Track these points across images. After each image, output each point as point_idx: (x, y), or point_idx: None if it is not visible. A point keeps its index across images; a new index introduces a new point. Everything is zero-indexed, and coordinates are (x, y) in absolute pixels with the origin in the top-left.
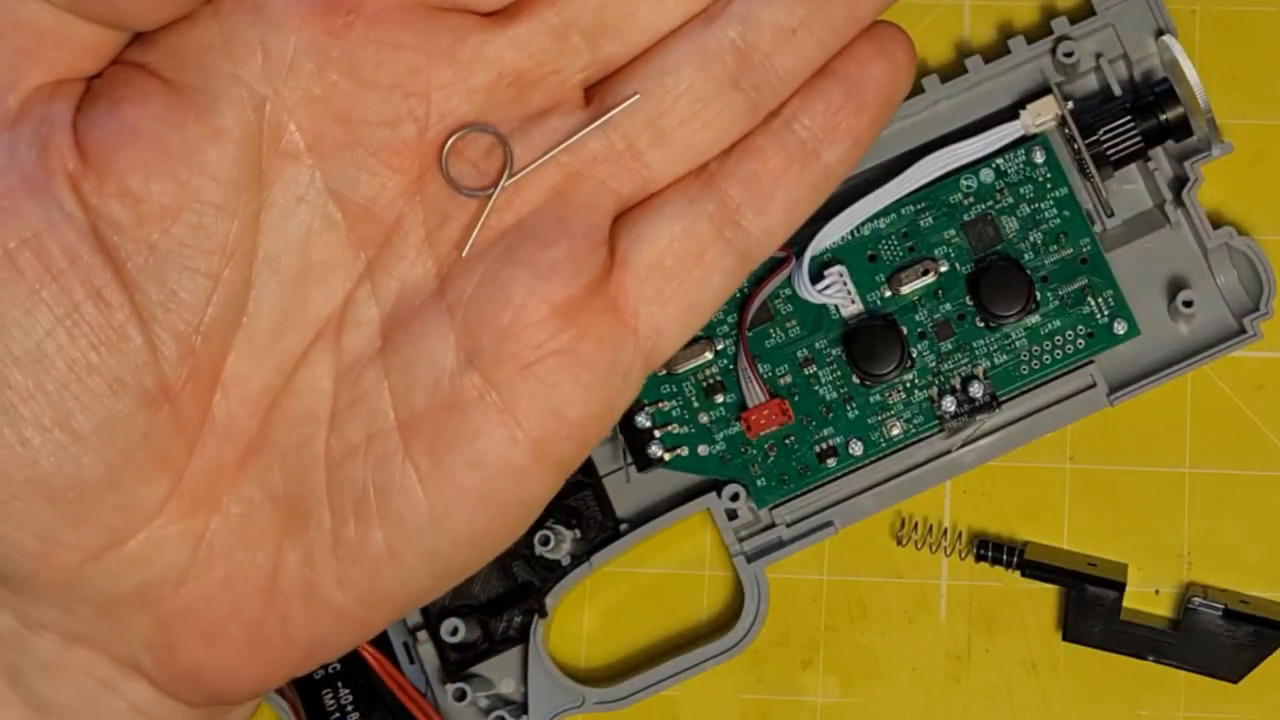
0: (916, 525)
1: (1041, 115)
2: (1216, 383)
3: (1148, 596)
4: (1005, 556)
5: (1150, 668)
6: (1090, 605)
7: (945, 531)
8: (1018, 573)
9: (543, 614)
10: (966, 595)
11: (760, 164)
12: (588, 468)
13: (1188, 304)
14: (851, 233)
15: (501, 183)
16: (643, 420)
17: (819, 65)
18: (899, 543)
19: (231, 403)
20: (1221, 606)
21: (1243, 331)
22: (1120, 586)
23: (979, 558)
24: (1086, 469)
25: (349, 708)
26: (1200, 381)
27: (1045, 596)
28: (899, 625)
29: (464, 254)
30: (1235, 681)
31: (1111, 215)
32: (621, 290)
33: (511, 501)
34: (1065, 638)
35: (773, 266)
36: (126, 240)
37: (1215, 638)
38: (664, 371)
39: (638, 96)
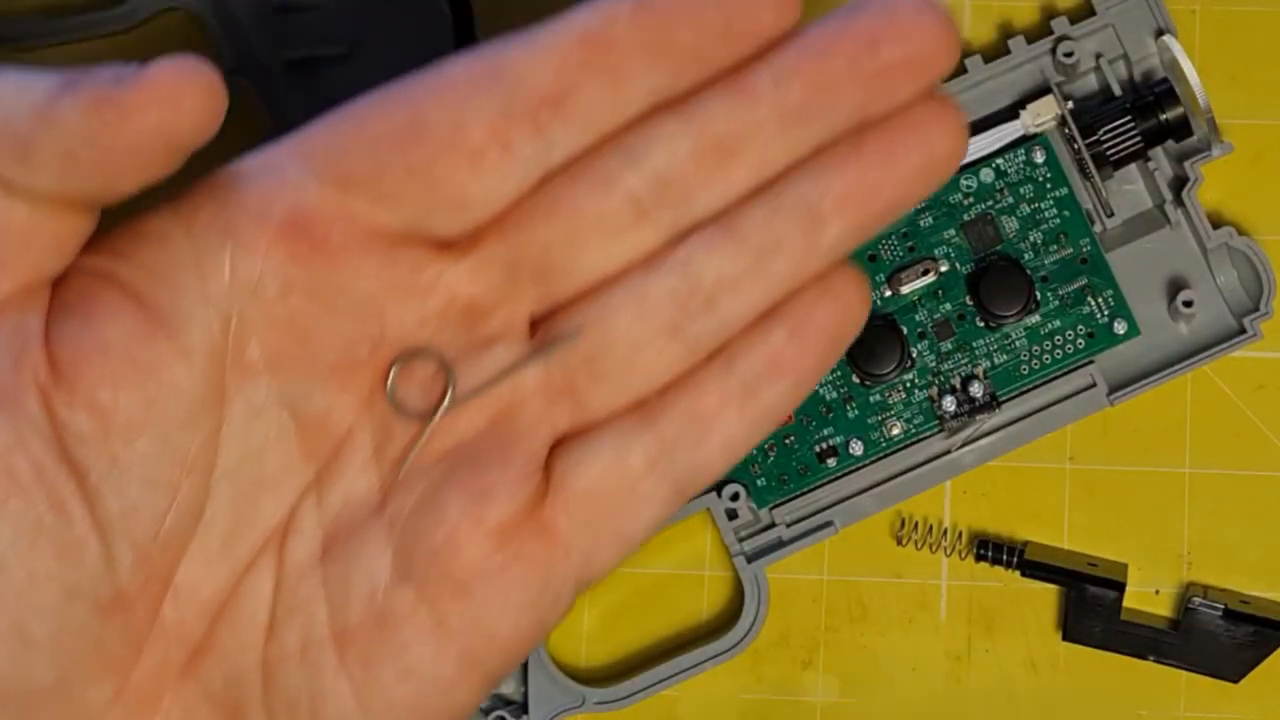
0: (916, 525)
1: (1041, 115)
2: (1216, 383)
3: (1148, 596)
4: (1005, 556)
5: (1150, 668)
6: (1090, 605)
7: (945, 531)
8: (1018, 573)
9: None
10: (966, 595)
11: (698, 400)
12: None
13: (1188, 304)
14: None
15: (440, 410)
16: None
17: (764, 310)
18: (899, 543)
19: (182, 608)
20: (1222, 606)
21: (1243, 331)
22: (1120, 586)
23: (979, 558)
24: (1086, 469)
25: None
26: (1200, 381)
27: (1045, 596)
28: (899, 625)
29: (400, 476)
30: (1236, 681)
31: (1111, 215)
32: (554, 516)
33: (440, 710)
34: (1065, 638)
35: None
36: (91, 452)
37: (1215, 638)
38: None
39: (577, 336)
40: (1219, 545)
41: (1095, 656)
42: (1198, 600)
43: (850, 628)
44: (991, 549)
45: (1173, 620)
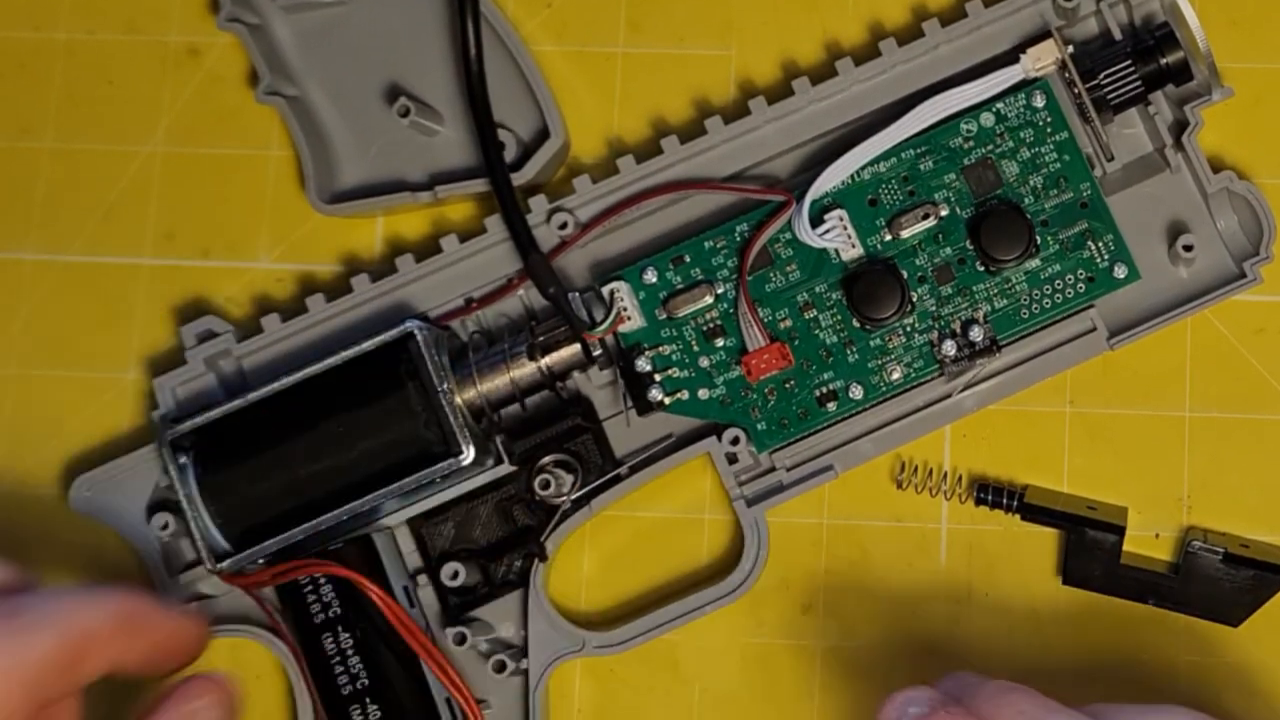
0: (916, 469)
1: (1042, 59)
2: (1216, 326)
3: (1147, 540)
4: (1005, 500)
5: (1150, 611)
6: (1090, 549)
7: (945, 475)
8: (1018, 516)
9: (543, 558)
10: (966, 539)
11: None
12: (588, 412)
13: (1188, 248)
14: (852, 177)
15: None
16: (643, 364)
17: None
18: (899, 486)
19: None
20: (1221, 550)
21: (1242, 276)
22: (1120, 530)
23: (979, 501)
24: (1087, 413)
25: (349, 651)
26: (1200, 325)
27: (1045, 540)
28: (899, 569)
29: None
30: (1235, 625)
31: (1112, 159)
32: None
33: None
34: (1065, 581)
35: (773, 210)
36: None
37: (1215, 581)
38: (664, 315)
39: None
40: (1219, 489)
41: (1095, 600)
42: (1197, 544)
43: (850, 572)
44: (991, 493)
45: (1172, 564)
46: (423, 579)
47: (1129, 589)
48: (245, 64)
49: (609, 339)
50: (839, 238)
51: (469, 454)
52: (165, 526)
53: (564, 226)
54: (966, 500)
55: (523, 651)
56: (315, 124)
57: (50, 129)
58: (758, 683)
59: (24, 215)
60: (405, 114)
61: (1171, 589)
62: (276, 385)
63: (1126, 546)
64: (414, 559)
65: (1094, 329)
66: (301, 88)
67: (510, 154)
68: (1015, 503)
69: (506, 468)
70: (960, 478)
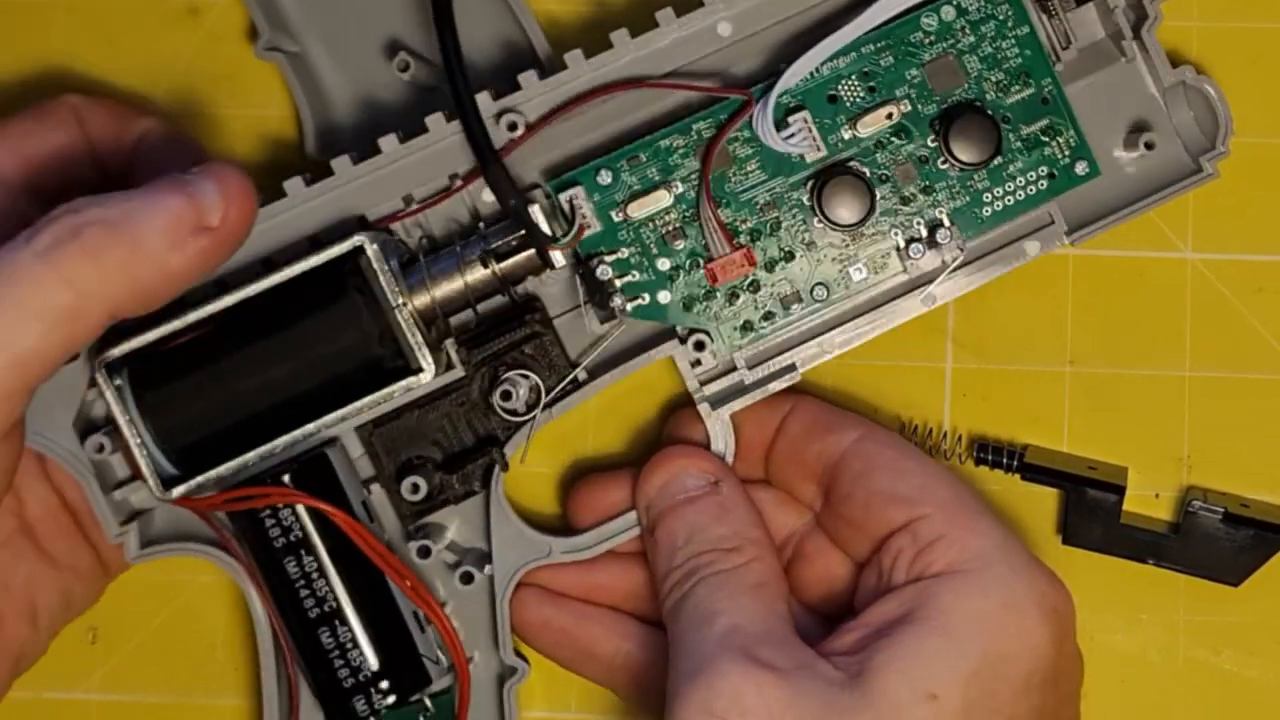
0: (916, 429)
1: None
2: (1216, 286)
3: (1148, 500)
4: (1005, 460)
5: (1150, 571)
6: (1090, 508)
7: (945, 435)
8: (1018, 476)
9: (504, 466)
10: None
11: None
12: (543, 317)
13: (1148, 145)
14: (811, 74)
15: None
16: (604, 271)
17: None
18: None
19: None
20: (1221, 510)
21: (1199, 170)
22: (1120, 490)
23: (979, 461)
24: (1086, 372)
25: (314, 575)
26: (1200, 284)
27: (1045, 500)
28: None
29: None
30: (1235, 585)
31: (1068, 47)
32: None
33: None
34: (1065, 541)
35: (734, 111)
36: None
37: (1215, 541)
38: (621, 218)
39: None
40: (1219, 448)
41: (1095, 560)
42: (1198, 504)
43: None
44: (991, 452)
45: (1173, 524)
46: (376, 488)
47: (1129, 549)
48: (245, 23)
49: None
50: (804, 142)
51: (430, 370)
52: (101, 449)
53: (513, 128)
54: (966, 460)
55: (488, 559)
56: (314, 80)
57: (50, 89)
58: None
59: None
60: (405, 69)
61: (1172, 548)
62: (217, 305)
63: (1127, 506)
64: (364, 465)
65: (1052, 223)
66: (301, 43)
67: None
68: (1015, 462)
69: (458, 372)
70: (960, 437)
